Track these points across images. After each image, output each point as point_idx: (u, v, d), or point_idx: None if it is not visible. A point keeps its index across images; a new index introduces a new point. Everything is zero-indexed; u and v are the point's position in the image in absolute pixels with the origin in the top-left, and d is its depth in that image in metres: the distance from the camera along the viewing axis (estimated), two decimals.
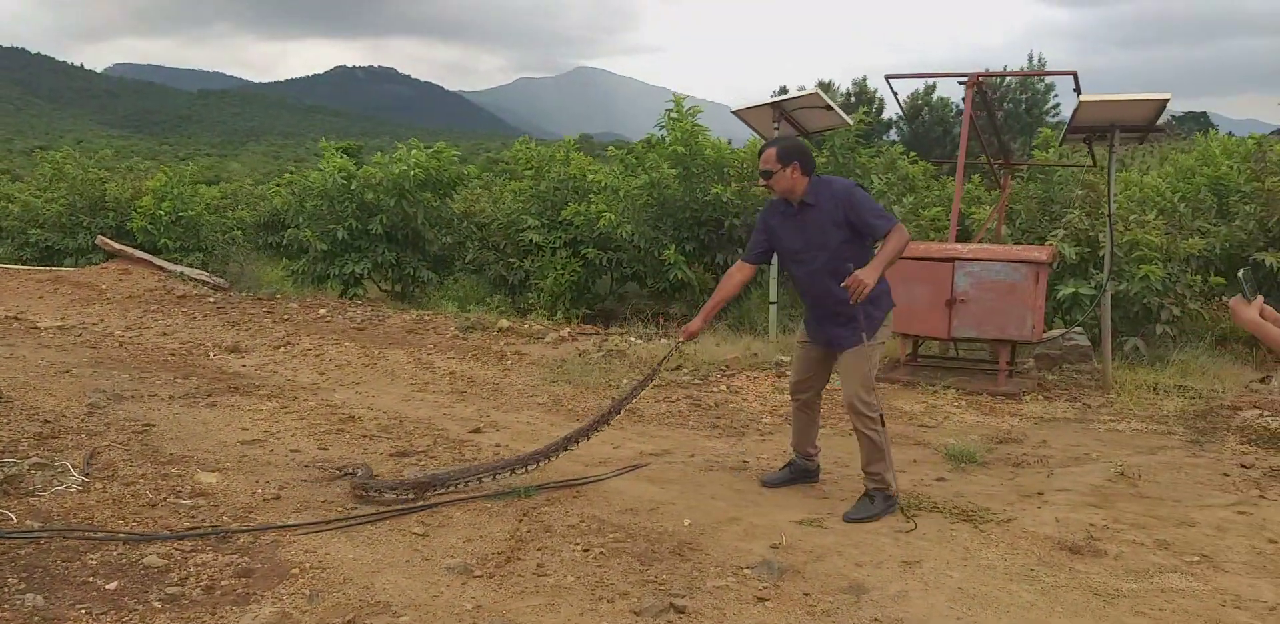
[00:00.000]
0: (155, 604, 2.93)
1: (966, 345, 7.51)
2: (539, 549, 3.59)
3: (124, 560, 3.26)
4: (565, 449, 4.42)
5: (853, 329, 3.95)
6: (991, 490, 4.46)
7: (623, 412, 4.58)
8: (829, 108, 7.66)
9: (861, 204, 3.88)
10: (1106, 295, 6.89)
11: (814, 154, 11.31)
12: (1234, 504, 4.23)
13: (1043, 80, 39.18)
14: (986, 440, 5.34)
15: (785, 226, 4.11)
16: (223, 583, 3.15)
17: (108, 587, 3.02)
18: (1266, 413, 5.58)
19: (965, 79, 7.31)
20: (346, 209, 12.15)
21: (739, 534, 3.82)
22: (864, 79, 44.70)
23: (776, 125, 7.72)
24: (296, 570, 3.29)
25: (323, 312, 9.45)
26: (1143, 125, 6.63)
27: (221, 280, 11.29)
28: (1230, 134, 13.47)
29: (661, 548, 3.61)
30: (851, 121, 8.47)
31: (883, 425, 4.00)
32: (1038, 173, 10.64)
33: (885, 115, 36.28)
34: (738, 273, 4.28)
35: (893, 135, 35.55)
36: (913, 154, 12.79)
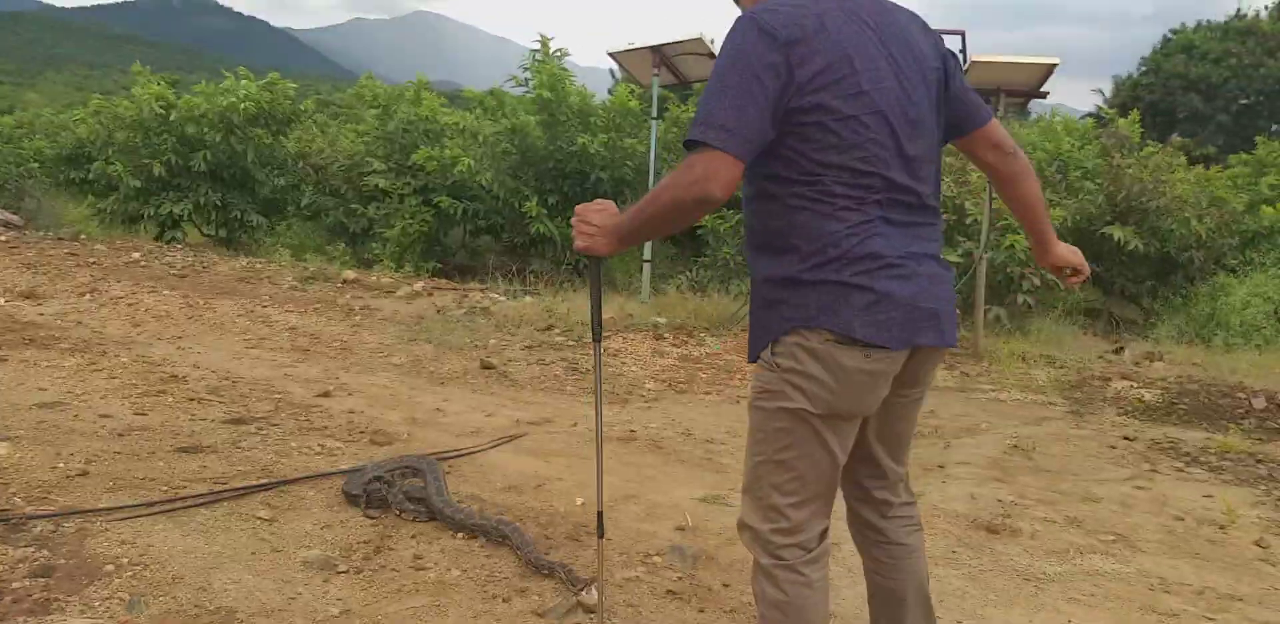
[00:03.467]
0: None
1: None
2: (413, 537, 3.08)
3: None
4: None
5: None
6: None
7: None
8: (712, 56, 7.25)
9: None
10: (983, 264, 6.87)
11: (686, 109, 10.99)
12: (1130, 479, 4.18)
13: None
14: None
15: None
16: (14, 586, 2.48)
17: None
18: (1135, 384, 5.65)
19: None
20: (164, 143, 10.89)
21: (639, 515, 3.43)
22: (711, 41, 44.73)
23: (656, 71, 7.26)
24: (111, 567, 2.65)
25: (136, 255, 8.37)
26: (1028, 90, 6.58)
27: (15, 217, 9.88)
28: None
29: (556, 533, 3.17)
30: None
31: (777, 581, 1.83)
32: None
33: None
34: None
35: None
36: None
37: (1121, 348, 7.17)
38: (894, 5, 1.84)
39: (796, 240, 1.72)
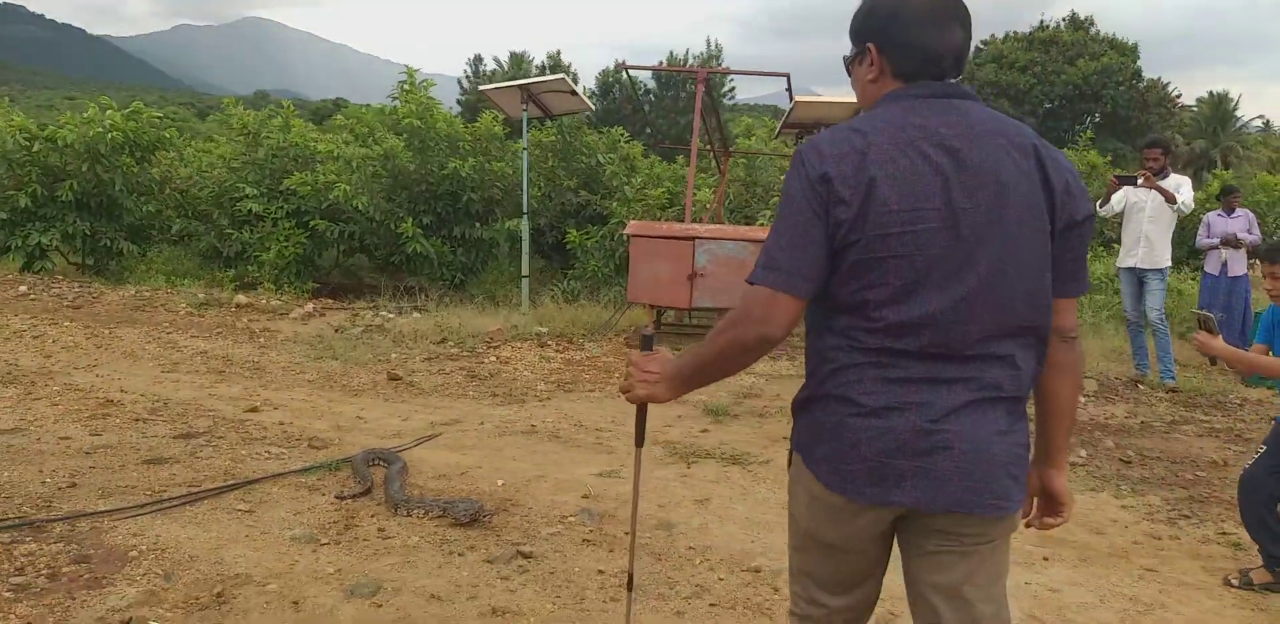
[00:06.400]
0: (6, 594, 2.86)
1: (702, 314, 8.34)
2: (372, 516, 3.81)
3: None
4: None
5: None
6: (747, 438, 5.21)
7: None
8: (573, 93, 8.12)
9: None
10: None
11: (546, 132, 11.87)
12: None
13: (719, 63, 42.40)
14: (734, 396, 6.13)
15: None
16: (64, 570, 3.10)
17: None
18: None
19: (695, 74, 8.06)
20: (28, 174, 10.90)
21: (550, 489, 4.25)
22: (558, 52, 45.86)
23: (524, 106, 8.06)
24: (135, 553, 3.29)
25: (24, 289, 8.56)
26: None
27: None
28: None
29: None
30: (593, 106, 9.00)
31: None
32: (739, 159, 11.82)
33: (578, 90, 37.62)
34: None
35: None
36: (626, 134, 13.61)
37: None
38: (995, 129, 1.65)
39: (808, 364, 1.76)
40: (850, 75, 1.84)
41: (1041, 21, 40.12)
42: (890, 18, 1.71)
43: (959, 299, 1.59)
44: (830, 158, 1.60)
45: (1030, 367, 1.68)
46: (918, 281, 1.58)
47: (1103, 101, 36.24)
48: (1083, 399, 6.33)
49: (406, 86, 10.67)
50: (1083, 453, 5.11)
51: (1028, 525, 1.86)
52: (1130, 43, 38.25)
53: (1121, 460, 5.02)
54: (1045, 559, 3.66)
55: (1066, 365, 1.75)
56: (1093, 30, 39.14)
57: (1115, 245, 12.30)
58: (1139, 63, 37.49)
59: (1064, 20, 40.10)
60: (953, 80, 1.72)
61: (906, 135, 1.61)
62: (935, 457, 1.61)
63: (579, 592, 3.18)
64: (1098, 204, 7.54)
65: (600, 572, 3.35)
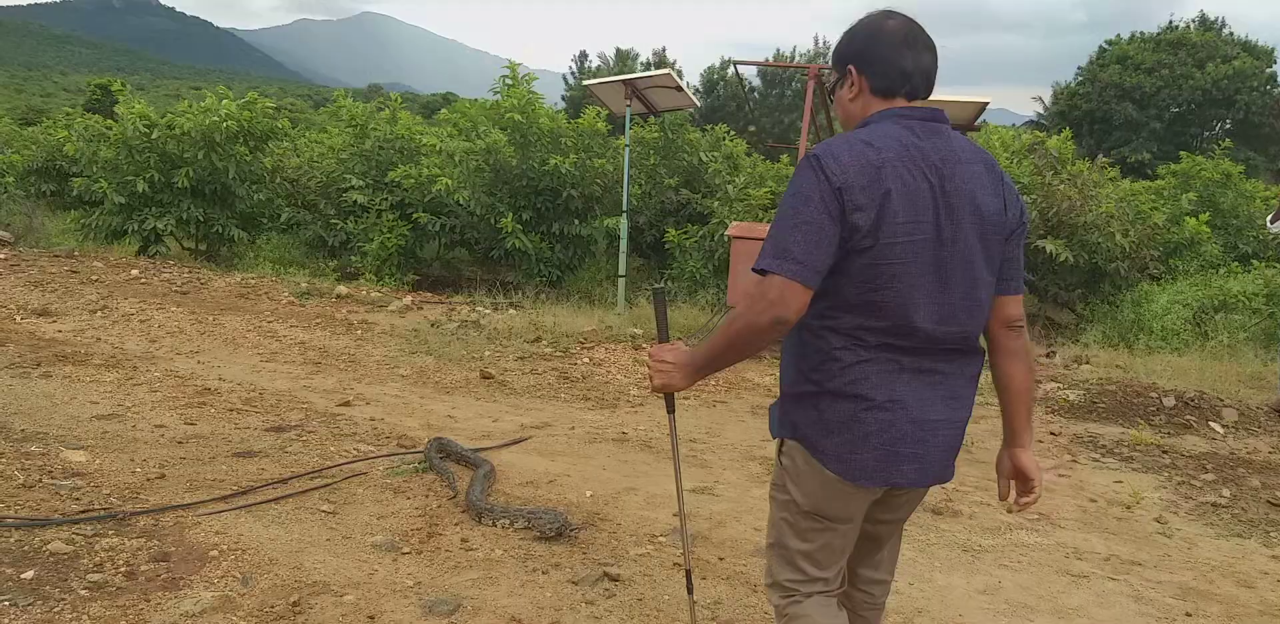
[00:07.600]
0: (82, 593, 2.79)
1: None
2: (456, 524, 3.66)
3: (26, 547, 3.06)
4: None
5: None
6: None
7: None
8: (679, 89, 7.90)
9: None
10: None
11: (648, 129, 11.67)
12: (1053, 468, 4.89)
13: (827, 61, 41.19)
14: None
15: None
16: (142, 568, 3.03)
17: (24, 576, 2.84)
18: (1062, 386, 6.39)
19: (807, 69, 7.73)
20: (147, 160, 11.23)
21: (640, 503, 4.04)
22: (663, 49, 45.68)
23: (629, 102, 7.87)
24: (215, 553, 3.20)
25: (135, 272, 8.78)
26: (963, 125, 7.32)
27: (6, 234, 10.18)
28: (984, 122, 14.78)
29: (574, 519, 3.76)
30: (698, 103, 8.76)
31: (794, 610, 2.04)
32: None
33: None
34: None
35: None
36: (730, 131, 13.32)
37: (1053, 352, 7.94)
38: (972, 155, 1.87)
39: (804, 362, 1.91)
40: (833, 100, 2.04)
41: (1170, 22, 38.16)
42: (868, 40, 1.91)
43: (947, 302, 1.82)
44: (851, 167, 1.76)
45: (980, 352, 1.96)
46: (914, 286, 1.78)
47: (1235, 107, 34.24)
48: (1220, 430, 5.82)
49: (509, 81, 10.59)
50: (1225, 493, 4.65)
51: (1009, 511, 2.26)
52: (1267, 46, 36.05)
53: (1270, 503, 4.54)
54: (1188, 615, 3.28)
55: (1019, 351, 2.01)
56: (1224, 32, 37.02)
57: (1254, 261, 11.53)
58: (1275, 67, 35.29)
59: (1193, 21, 38.04)
60: (922, 101, 1.92)
61: (910, 154, 1.80)
62: (927, 444, 1.87)
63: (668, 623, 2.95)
64: (1268, 220, 6.94)
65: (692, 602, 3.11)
